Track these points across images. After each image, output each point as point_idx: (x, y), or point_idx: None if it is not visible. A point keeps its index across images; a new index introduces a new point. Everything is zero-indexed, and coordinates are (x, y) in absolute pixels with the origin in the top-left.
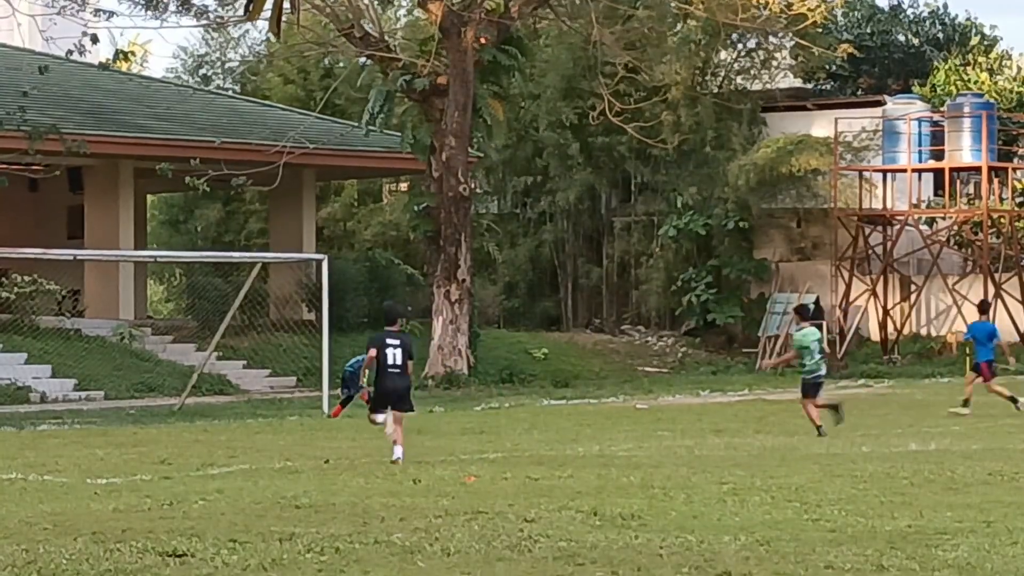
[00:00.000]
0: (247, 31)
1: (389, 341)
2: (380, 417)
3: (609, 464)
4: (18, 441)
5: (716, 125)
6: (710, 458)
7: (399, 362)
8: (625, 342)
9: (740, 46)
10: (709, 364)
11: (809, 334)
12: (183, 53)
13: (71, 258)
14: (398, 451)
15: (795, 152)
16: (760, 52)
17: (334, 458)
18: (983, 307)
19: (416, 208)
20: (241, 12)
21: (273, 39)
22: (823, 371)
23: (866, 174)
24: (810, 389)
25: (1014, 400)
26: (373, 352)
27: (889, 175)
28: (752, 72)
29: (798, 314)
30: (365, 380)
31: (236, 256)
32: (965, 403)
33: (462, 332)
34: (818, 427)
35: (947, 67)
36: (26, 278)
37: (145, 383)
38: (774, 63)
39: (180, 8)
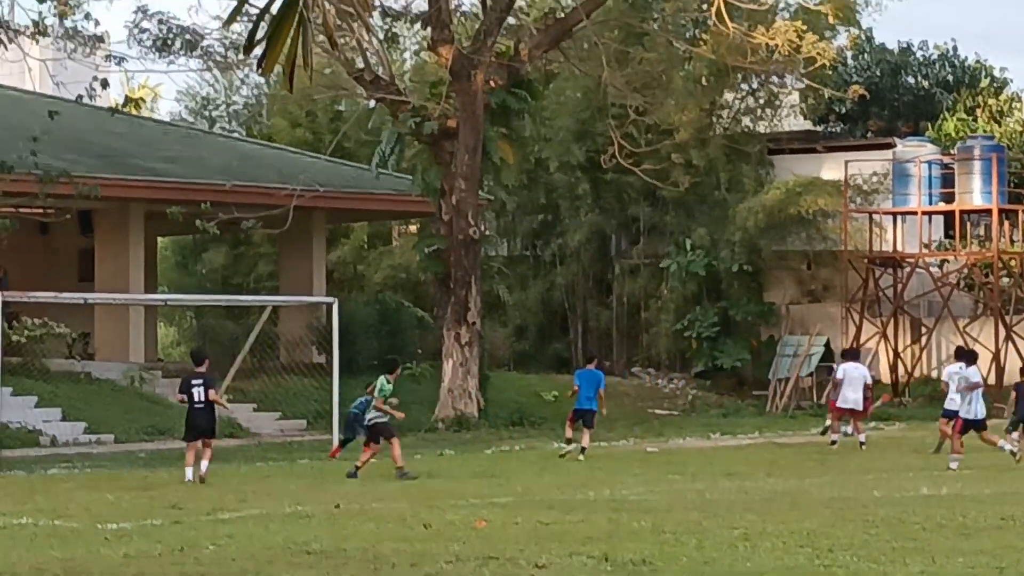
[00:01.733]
0: (249, 73)
1: (194, 382)
2: (190, 456)
3: (620, 508)
4: (28, 485)
5: (725, 167)
6: (721, 502)
7: (203, 399)
8: (635, 384)
9: (746, 87)
10: (720, 407)
11: (381, 379)
12: (188, 96)
13: (82, 301)
14: (188, 472)
15: (804, 194)
16: (766, 93)
17: (345, 502)
18: (589, 357)
19: (425, 250)
20: (253, 64)
21: (286, 92)
22: (369, 415)
23: (876, 216)
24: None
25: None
26: (181, 395)
27: (899, 217)
28: (759, 114)
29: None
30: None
31: (246, 299)
32: (569, 441)
33: (472, 375)
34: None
35: (956, 117)
36: (36, 321)
37: (155, 426)
38: (782, 105)
39: (187, 51)
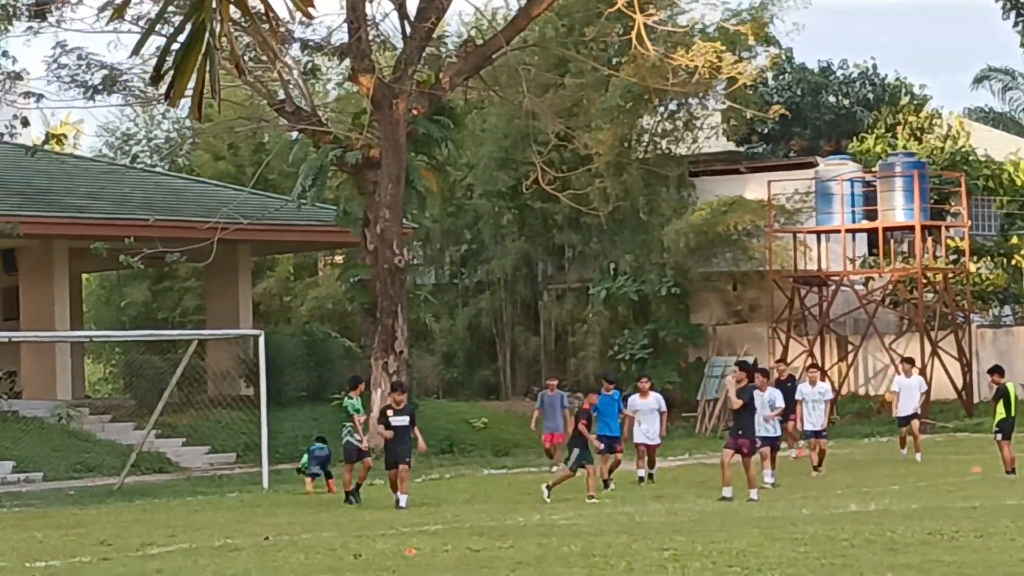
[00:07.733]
0: (169, 108)
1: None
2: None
3: (550, 533)
4: None
5: (645, 191)
6: (651, 524)
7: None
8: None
9: (667, 110)
10: None
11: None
12: (108, 132)
13: (7, 340)
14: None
15: (729, 212)
16: (687, 115)
17: (274, 535)
18: (608, 377)
19: (351, 280)
20: (162, 96)
21: (195, 123)
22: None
23: (800, 235)
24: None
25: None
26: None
27: (823, 236)
28: (681, 136)
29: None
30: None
31: (172, 334)
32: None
33: None
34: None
35: (876, 133)
36: None
37: (84, 463)
38: (704, 126)
39: (107, 87)
